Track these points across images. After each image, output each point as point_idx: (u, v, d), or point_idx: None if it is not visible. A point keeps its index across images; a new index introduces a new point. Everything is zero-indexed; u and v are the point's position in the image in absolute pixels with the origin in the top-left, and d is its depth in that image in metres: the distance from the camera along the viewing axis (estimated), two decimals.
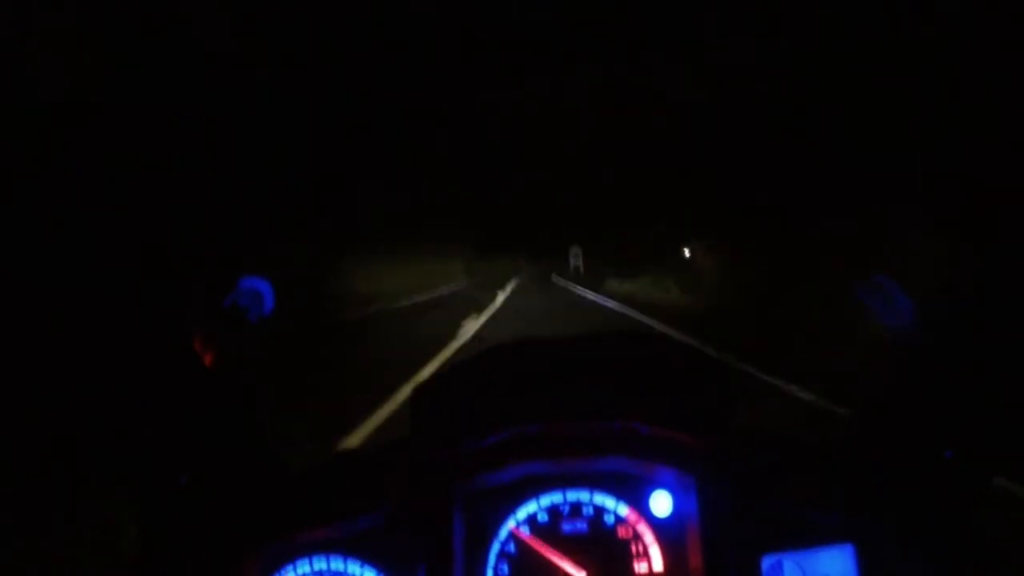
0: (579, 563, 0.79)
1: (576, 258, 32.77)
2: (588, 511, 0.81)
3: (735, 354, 5.53)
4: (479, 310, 13.58)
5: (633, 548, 0.80)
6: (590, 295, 18.63)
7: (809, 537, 0.77)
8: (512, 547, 0.80)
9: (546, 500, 0.81)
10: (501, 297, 18.36)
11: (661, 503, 0.81)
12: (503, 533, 0.80)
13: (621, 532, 0.81)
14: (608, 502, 0.81)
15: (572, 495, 0.82)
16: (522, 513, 0.81)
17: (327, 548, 0.77)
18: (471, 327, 10.75)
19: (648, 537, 0.80)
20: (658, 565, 0.79)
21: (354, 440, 4.35)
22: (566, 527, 0.81)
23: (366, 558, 0.77)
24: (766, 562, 0.76)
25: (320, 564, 0.77)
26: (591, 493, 0.82)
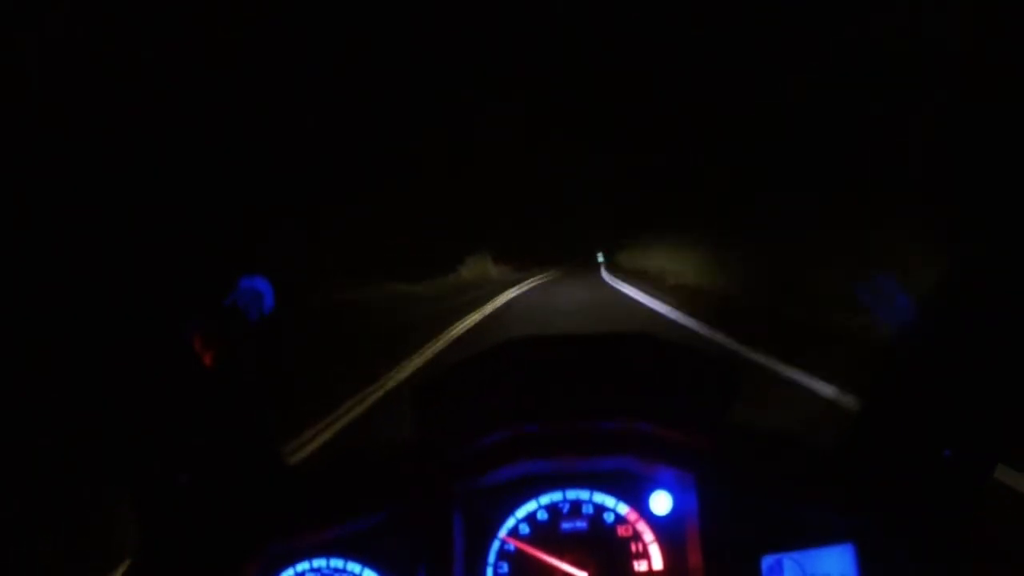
0: (579, 562, 0.79)
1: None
2: (588, 510, 0.81)
3: None
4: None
5: (633, 547, 0.80)
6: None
7: (809, 537, 0.77)
8: (512, 546, 0.80)
9: (546, 499, 0.81)
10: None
11: (661, 502, 0.81)
12: (503, 532, 0.80)
13: (621, 531, 0.81)
14: (608, 501, 0.81)
15: (572, 494, 0.82)
16: (522, 512, 0.81)
17: (327, 549, 0.77)
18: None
19: (648, 536, 0.80)
20: (658, 564, 0.79)
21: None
22: (566, 526, 0.81)
23: (366, 558, 0.77)
24: (766, 562, 0.76)
25: (320, 564, 0.77)
26: (591, 492, 0.82)
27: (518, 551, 0.79)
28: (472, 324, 10.01)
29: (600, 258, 40.98)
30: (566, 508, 0.81)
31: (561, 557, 0.79)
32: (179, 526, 0.72)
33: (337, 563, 0.77)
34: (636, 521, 0.81)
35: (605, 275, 24.27)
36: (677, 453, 0.79)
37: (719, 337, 6.97)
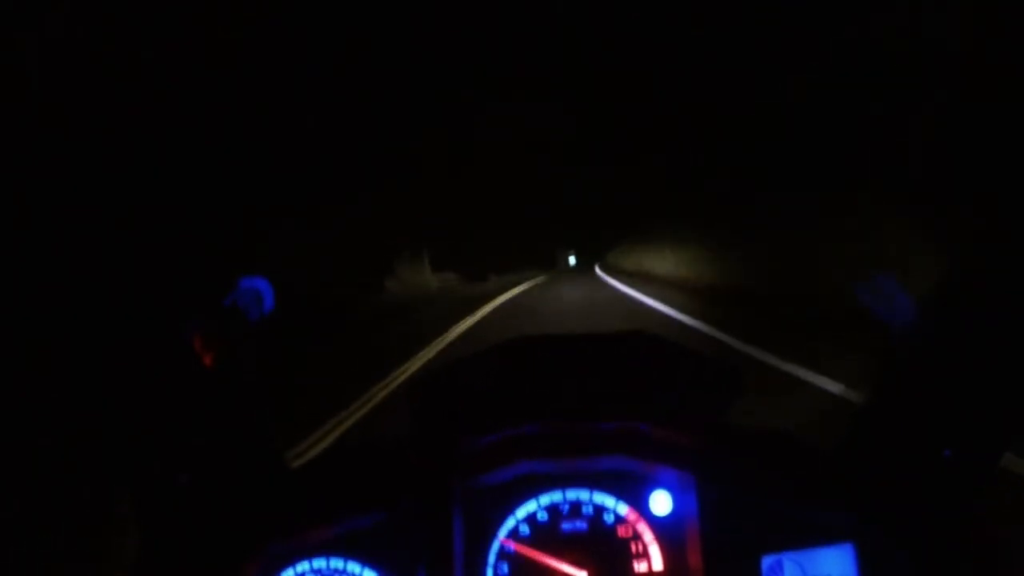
0: (579, 563, 0.79)
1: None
2: (588, 510, 0.81)
3: None
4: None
5: (633, 547, 0.80)
6: None
7: (809, 536, 0.77)
8: (512, 546, 0.80)
9: (546, 499, 0.81)
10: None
11: (661, 502, 0.81)
12: (503, 532, 0.80)
13: (621, 531, 0.81)
14: (608, 501, 0.81)
15: (572, 494, 0.82)
16: (522, 512, 0.81)
17: (327, 549, 0.77)
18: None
19: (648, 536, 0.80)
20: (658, 564, 0.79)
21: None
22: (566, 526, 0.81)
23: (366, 558, 0.77)
24: (766, 562, 0.76)
25: (320, 564, 0.77)
26: (591, 492, 0.82)
27: (518, 551, 0.79)
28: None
29: (572, 261, 39.22)
30: (566, 508, 0.81)
31: (561, 558, 0.79)
32: (179, 526, 0.72)
33: (337, 563, 0.77)
34: (636, 521, 0.81)
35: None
36: (676, 453, 0.79)
37: (716, 333, 6.98)
